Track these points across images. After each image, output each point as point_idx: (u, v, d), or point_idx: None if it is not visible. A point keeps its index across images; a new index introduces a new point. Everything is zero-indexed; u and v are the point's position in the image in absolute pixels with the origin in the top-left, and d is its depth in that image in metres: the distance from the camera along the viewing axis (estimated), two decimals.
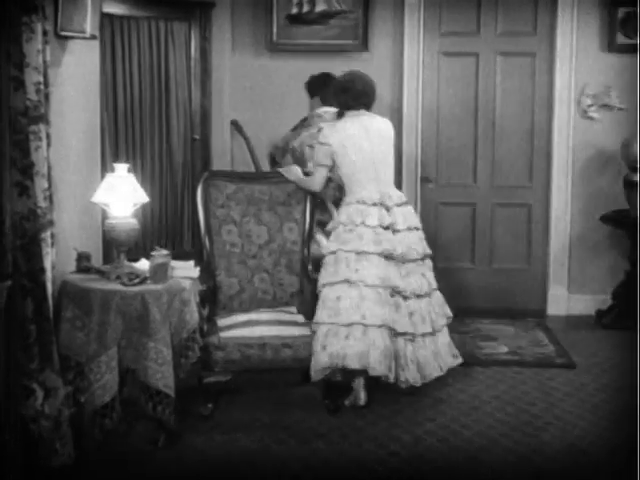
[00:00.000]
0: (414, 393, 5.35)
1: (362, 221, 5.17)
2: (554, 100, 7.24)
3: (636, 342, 5.88)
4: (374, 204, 5.21)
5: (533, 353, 6.31)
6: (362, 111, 5.37)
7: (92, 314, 4.44)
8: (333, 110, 5.96)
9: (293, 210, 5.60)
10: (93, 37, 4.96)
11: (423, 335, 5.23)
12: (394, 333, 5.13)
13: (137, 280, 4.54)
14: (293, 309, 5.49)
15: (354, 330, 5.04)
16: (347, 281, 5.10)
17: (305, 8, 7.09)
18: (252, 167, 6.94)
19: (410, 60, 7.20)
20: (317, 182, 5.41)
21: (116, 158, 6.09)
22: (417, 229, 5.36)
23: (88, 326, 4.45)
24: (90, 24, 4.86)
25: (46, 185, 4.28)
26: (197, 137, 6.85)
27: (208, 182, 5.57)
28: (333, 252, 5.21)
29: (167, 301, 4.51)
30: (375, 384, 5.27)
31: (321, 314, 5.10)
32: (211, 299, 5.29)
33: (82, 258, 4.79)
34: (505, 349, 6.41)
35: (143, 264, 4.83)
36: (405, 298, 5.19)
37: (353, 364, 5.02)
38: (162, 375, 4.44)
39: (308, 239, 5.61)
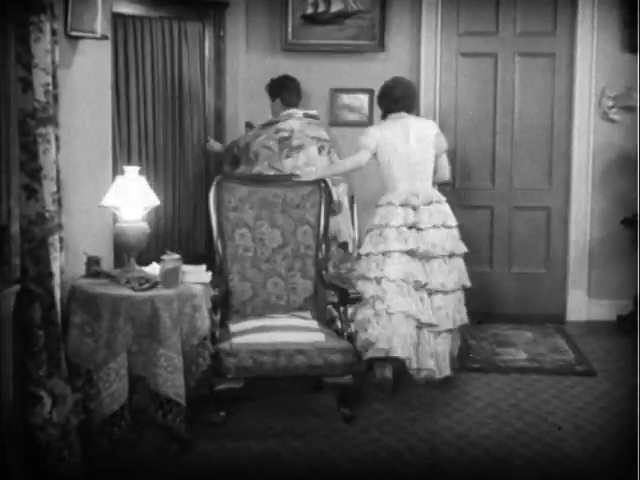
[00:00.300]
0: (431, 402, 5.25)
1: (386, 223, 5.49)
2: (574, 101, 7.13)
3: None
4: (401, 204, 5.52)
5: (552, 360, 6.18)
6: (402, 114, 5.67)
7: (101, 320, 4.34)
8: (300, 111, 6.20)
9: (307, 213, 5.50)
10: (104, 37, 4.87)
11: (446, 332, 5.50)
12: (419, 324, 5.40)
13: (147, 285, 4.44)
14: (307, 314, 5.39)
15: (380, 318, 5.39)
16: (375, 279, 5.45)
17: (321, 8, 6.98)
18: None
19: (427, 61, 7.12)
20: (363, 159, 5.66)
21: (129, 160, 6.01)
22: (447, 227, 5.58)
23: (97, 332, 4.35)
24: (101, 24, 4.76)
25: (55, 188, 4.19)
26: (210, 139, 6.74)
27: (221, 185, 5.47)
28: (367, 254, 5.55)
29: (178, 307, 4.41)
30: (392, 393, 5.19)
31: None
32: (223, 304, 5.19)
33: (92, 262, 4.70)
34: (524, 355, 6.28)
35: (154, 268, 4.73)
36: (430, 293, 5.47)
37: (382, 345, 5.33)
38: (172, 383, 4.34)
39: (323, 243, 5.50)
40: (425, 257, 5.46)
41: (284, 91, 6.31)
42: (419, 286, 5.42)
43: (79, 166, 4.85)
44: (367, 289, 5.43)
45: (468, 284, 5.65)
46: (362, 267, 5.54)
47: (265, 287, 5.45)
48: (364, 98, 7.11)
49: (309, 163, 5.99)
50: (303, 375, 4.96)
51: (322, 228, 5.51)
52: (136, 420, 4.46)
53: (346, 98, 7.13)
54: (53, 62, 4.18)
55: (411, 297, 5.39)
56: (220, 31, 6.91)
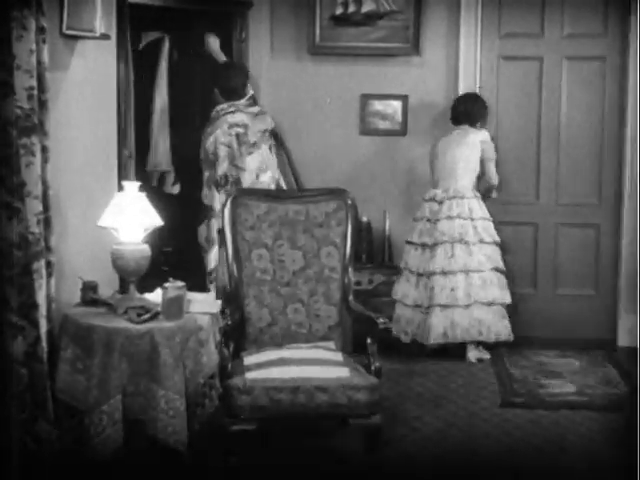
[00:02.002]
0: (469, 444, 4.71)
1: (415, 216, 6.38)
2: (626, 108, 6.65)
3: None
4: (430, 199, 6.31)
5: (604, 394, 5.62)
6: (463, 126, 6.34)
7: (94, 356, 3.83)
8: (241, 102, 5.81)
9: (332, 232, 4.98)
10: (105, 37, 4.39)
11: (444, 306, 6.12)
12: (426, 306, 6.16)
13: (147, 316, 3.93)
14: (331, 344, 4.86)
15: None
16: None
17: (351, 8, 6.56)
18: (293, 182, 6.57)
19: (466, 65, 6.72)
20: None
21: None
22: (463, 218, 6.17)
23: (89, 369, 3.84)
24: (101, 22, 4.29)
25: (40, 208, 3.71)
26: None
27: (237, 201, 4.96)
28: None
29: (181, 341, 3.89)
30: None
31: None
32: (237, 334, 4.69)
33: (87, 288, 4.20)
34: (572, 388, 5.71)
35: (159, 295, 4.21)
36: (429, 276, 6.19)
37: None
38: (174, 429, 3.81)
39: (349, 266, 4.98)
40: (432, 245, 6.20)
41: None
42: (422, 274, 6.22)
43: (76, 182, 4.40)
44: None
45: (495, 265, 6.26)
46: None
47: (285, 314, 4.93)
48: (397, 105, 6.73)
49: (265, 164, 5.80)
50: (325, 415, 4.41)
51: (348, 249, 4.98)
52: (133, 468, 3.93)
53: (378, 105, 6.74)
54: (40, 63, 3.71)
55: (415, 286, 6.27)
56: (242, 34, 6.48)
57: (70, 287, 4.32)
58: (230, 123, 5.70)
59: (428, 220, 6.26)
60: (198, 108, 6.27)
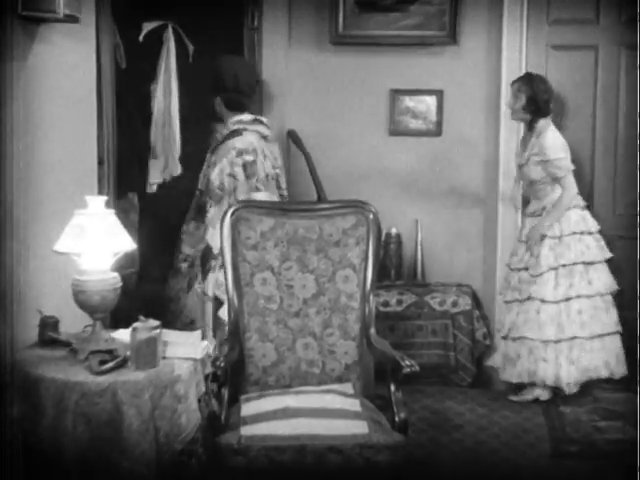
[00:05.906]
0: None
1: (587, 229, 5.54)
2: None
3: None
4: (575, 206, 5.53)
5: None
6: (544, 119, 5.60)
7: (43, 415, 3.09)
8: (248, 117, 4.99)
9: (350, 253, 4.26)
10: (71, 19, 3.65)
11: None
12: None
13: (109, 365, 3.17)
14: (348, 387, 4.13)
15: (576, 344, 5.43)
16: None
17: None
18: (314, 191, 5.92)
19: (510, 56, 6.14)
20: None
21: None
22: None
23: (37, 432, 3.10)
24: (65, 1, 3.54)
25: None
26: None
27: (237, 215, 4.25)
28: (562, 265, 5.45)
29: (151, 398, 3.16)
30: None
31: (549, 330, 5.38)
32: (236, 375, 3.98)
33: (46, 325, 3.48)
34: (635, 432, 4.90)
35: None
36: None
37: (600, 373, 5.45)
38: None
39: (371, 293, 4.25)
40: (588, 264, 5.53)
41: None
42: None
43: (37, 198, 3.68)
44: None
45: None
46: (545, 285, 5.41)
47: (293, 350, 4.21)
48: (431, 101, 6.16)
49: None
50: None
51: (370, 273, 4.26)
52: None
53: (409, 101, 6.18)
54: None
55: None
56: (255, 21, 5.95)
57: (33, 322, 3.62)
58: (238, 149, 4.87)
59: (582, 233, 5.57)
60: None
